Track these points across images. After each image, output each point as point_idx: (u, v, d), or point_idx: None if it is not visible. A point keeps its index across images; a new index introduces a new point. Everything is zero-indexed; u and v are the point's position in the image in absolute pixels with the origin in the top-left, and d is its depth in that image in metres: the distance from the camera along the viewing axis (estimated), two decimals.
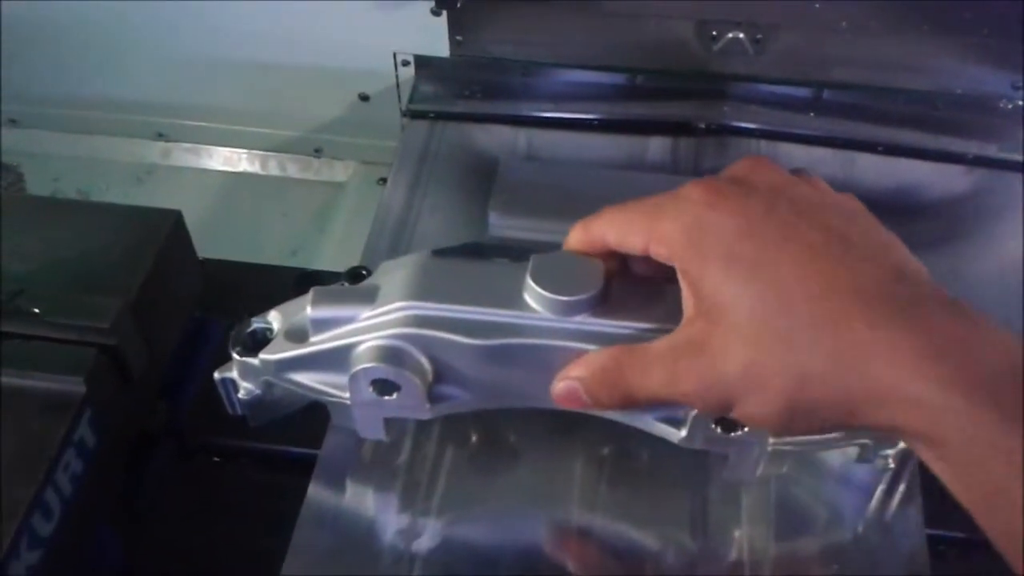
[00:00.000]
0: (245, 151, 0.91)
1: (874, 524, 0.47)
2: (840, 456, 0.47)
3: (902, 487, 0.47)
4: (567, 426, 0.48)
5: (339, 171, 0.90)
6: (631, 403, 0.40)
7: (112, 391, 0.50)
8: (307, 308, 0.44)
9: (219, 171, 0.91)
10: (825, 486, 0.48)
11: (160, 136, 0.91)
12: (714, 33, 0.76)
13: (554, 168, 0.69)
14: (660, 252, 0.39)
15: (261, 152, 0.91)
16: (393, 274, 0.45)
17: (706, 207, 0.38)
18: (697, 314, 0.38)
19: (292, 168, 0.91)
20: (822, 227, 0.37)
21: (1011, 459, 0.31)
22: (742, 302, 0.36)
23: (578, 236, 0.43)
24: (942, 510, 0.54)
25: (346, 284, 0.46)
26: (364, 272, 0.46)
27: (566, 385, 0.41)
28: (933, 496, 0.55)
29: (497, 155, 0.76)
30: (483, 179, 0.71)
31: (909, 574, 0.46)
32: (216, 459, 0.57)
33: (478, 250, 0.47)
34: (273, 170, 0.91)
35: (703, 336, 0.37)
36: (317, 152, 0.90)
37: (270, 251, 0.84)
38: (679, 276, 0.39)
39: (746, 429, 0.43)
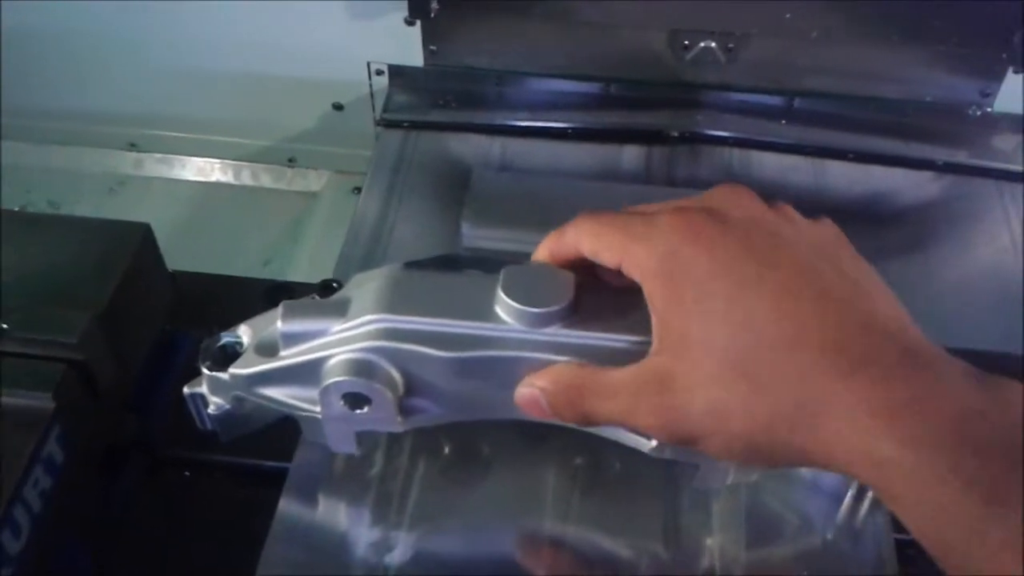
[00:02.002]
0: (218, 161, 0.90)
1: (843, 530, 0.48)
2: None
3: (870, 493, 0.47)
4: (540, 437, 0.48)
5: (313, 181, 0.90)
6: (590, 423, 0.41)
7: (80, 406, 0.50)
8: (277, 322, 0.44)
9: (192, 181, 0.90)
10: (795, 493, 0.49)
11: (132, 147, 0.90)
12: (686, 43, 0.76)
13: (527, 178, 0.69)
14: (632, 273, 0.39)
15: (234, 162, 0.90)
16: (364, 287, 0.45)
17: (681, 240, 0.38)
18: (662, 347, 0.38)
19: (265, 178, 0.90)
20: (797, 267, 0.37)
21: (965, 522, 0.31)
22: (712, 341, 0.36)
23: (551, 243, 0.43)
24: None
25: (317, 297, 0.46)
26: (335, 285, 0.46)
27: (530, 392, 0.41)
28: None
29: (471, 164, 0.76)
30: (458, 188, 0.71)
31: None
32: (186, 473, 0.56)
33: (451, 262, 0.47)
34: (246, 180, 0.90)
35: (667, 371, 0.37)
36: (291, 162, 0.90)
37: (243, 262, 0.83)
38: (647, 303, 0.38)
39: None
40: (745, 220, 0.38)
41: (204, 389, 0.46)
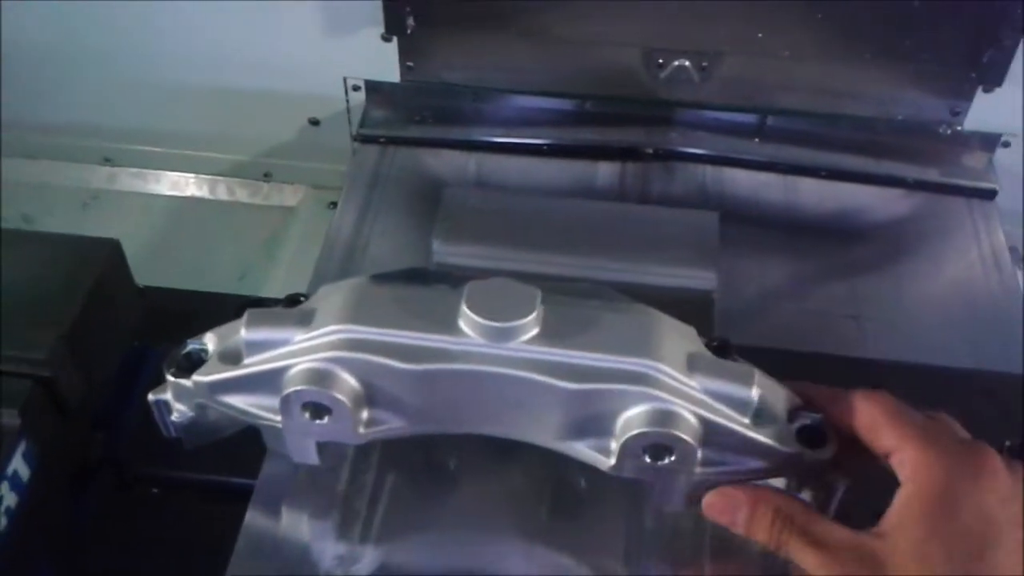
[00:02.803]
0: (193, 176, 0.90)
1: None
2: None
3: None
4: (507, 452, 0.48)
5: (289, 195, 0.90)
6: (775, 553, 0.42)
7: (48, 423, 0.50)
8: (241, 330, 0.44)
9: (166, 196, 0.90)
10: None
11: (106, 161, 0.90)
12: (660, 61, 0.77)
13: (499, 196, 0.69)
14: (900, 469, 0.40)
15: (209, 177, 0.90)
16: (329, 298, 0.45)
17: (964, 475, 0.39)
18: (894, 543, 0.39)
19: (241, 193, 0.90)
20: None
21: None
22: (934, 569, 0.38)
23: (836, 405, 0.44)
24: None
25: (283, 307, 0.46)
26: (302, 299, 0.46)
27: (728, 502, 0.43)
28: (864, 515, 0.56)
29: (447, 180, 0.76)
30: (433, 204, 0.71)
31: None
32: (155, 490, 0.56)
33: (418, 275, 0.47)
34: (222, 195, 0.90)
35: (882, 557, 0.39)
36: (267, 176, 0.90)
37: (218, 276, 0.83)
38: (902, 488, 0.40)
39: (673, 458, 0.43)
40: (1011, 480, 0.40)
41: (168, 396, 0.46)
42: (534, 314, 0.42)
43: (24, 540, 0.49)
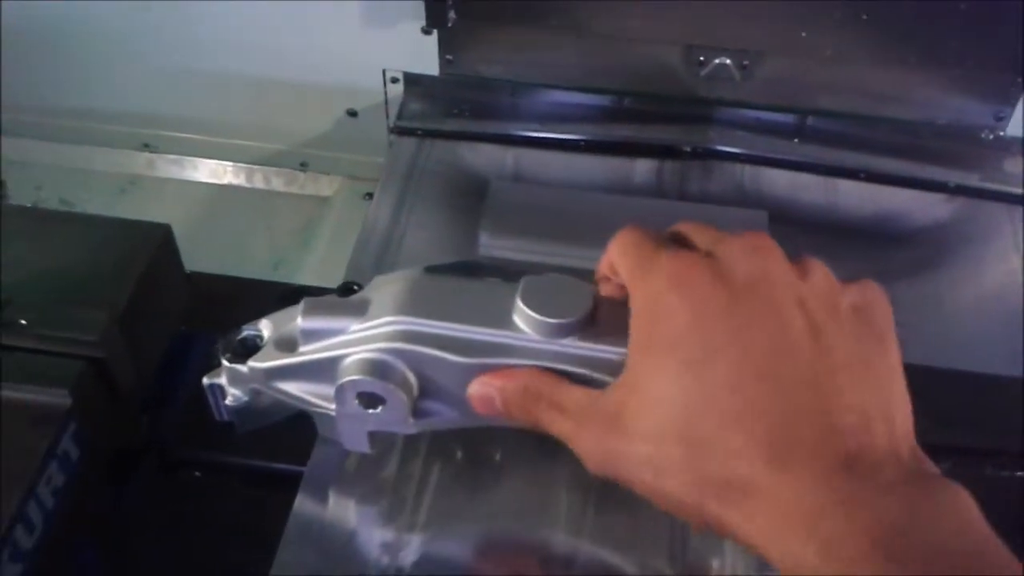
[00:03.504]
0: (231, 163, 0.90)
1: None
2: None
3: None
4: (553, 447, 0.48)
5: (325, 186, 0.90)
6: (538, 430, 0.41)
7: (98, 404, 0.50)
8: (298, 318, 0.44)
9: (204, 183, 0.90)
10: None
11: (145, 147, 0.90)
12: (701, 58, 0.77)
13: (543, 191, 0.69)
14: (630, 303, 0.39)
15: (247, 165, 0.90)
16: (384, 289, 0.45)
17: (670, 285, 0.37)
18: (623, 386, 0.38)
19: (277, 182, 0.90)
20: (775, 341, 0.35)
21: None
22: (666, 396, 0.36)
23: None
24: None
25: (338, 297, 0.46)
26: (356, 287, 0.47)
27: (484, 390, 0.42)
28: None
29: (484, 174, 0.76)
30: (470, 198, 0.71)
31: None
32: (198, 474, 0.56)
33: (471, 268, 0.47)
34: (258, 183, 0.91)
35: (618, 411, 0.37)
36: (303, 166, 0.90)
37: (253, 264, 0.83)
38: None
39: None
40: (747, 279, 0.36)
41: (223, 380, 0.46)
42: (589, 310, 0.42)
43: (71, 519, 0.49)
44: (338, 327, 0.44)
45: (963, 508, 0.32)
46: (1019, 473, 0.58)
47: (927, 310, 0.68)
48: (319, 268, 0.84)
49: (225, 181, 0.90)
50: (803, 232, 0.72)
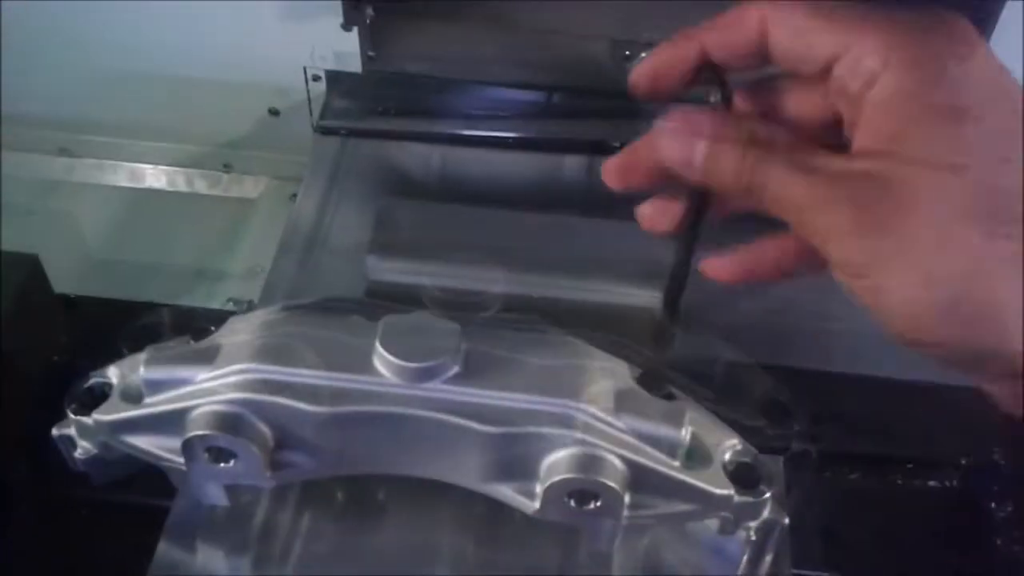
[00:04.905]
0: (151, 166, 0.88)
1: None
2: (707, 528, 0.46)
3: (768, 554, 0.46)
4: (438, 485, 0.47)
5: (250, 187, 0.88)
6: (751, 200, 0.31)
7: None
8: (140, 367, 0.42)
9: (125, 187, 0.88)
10: (694, 555, 0.47)
11: (63, 151, 0.88)
12: (627, 52, 0.74)
13: (435, 209, 0.67)
14: (858, 67, 0.30)
15: (168, 167, 0.88)
16: (237, 332, 0.43)
17: (950, 45, 0.29)
18: (885, 150, 0.29)
19: (200, 184, 0.88)
20: None
21: None
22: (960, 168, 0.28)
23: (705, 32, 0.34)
24: (829, 551, 0.55)
25: (190, 341, 0.44)
26: (212, 329, 0.44)
27: (689, 126, 0.32)
28: (821, 537, 0.55)
29: (410, 173, 0.74)
30: (396, 198, 0.69)
31: None
32: (82, 511, 0.54)
33: (335, 306, 0.45)
34: (181, 186, 0.88)
35: (890, 173, 0.29)
36: (226, 167, 0.88)
37: (174, 271, 0.81)
38: (875, 90, 0.30)
39: (599, 503, 0.41)
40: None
41: (72, 432, 0.45)
42: (452, 353, 0.40)
43: None
44: (184, 376, 0.42)
45: None
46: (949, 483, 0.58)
47: (857, 314, 0.66)
48: (246, 272, 0.81)
49: (147, 184, 0.88)
50: (735, 225, 0.70)
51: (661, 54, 0.35)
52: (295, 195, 0.84)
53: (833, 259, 0.30)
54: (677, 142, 0.32)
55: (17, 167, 0.87)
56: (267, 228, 0.83)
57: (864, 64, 0.30)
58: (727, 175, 0.31)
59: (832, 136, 0.32)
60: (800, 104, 0.34)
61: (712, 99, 0.34)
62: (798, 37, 0.31)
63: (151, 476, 0.47)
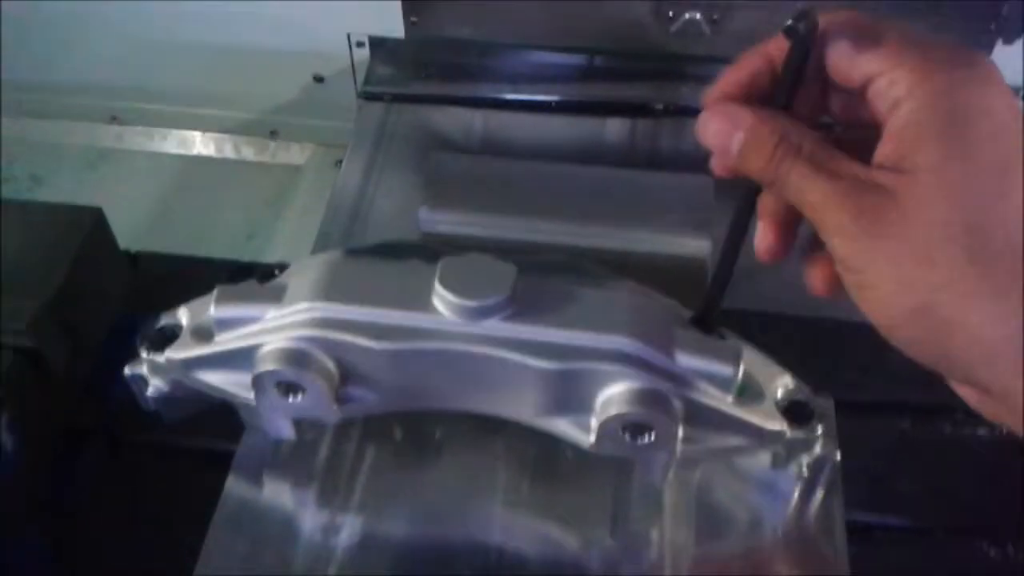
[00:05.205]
0: (199, 133, 0.89)
1: (794, 527, 0.47)
2: (760, 464, 0.46)
3: (820, 491, 0.47)
4: (493, 424, 0.47)
5: (296, 154, 0.89)
6: (775, 189, 0.35)
7: (31, 392, 0.50)
8: (211, 307, 0.43)
9: (173, 155, 0.89)
10: (746, 491, 0.48)
11: (114, 119, 0.90)
12: (671, 13, 0.74)
13: (487, 161, 0.68)
14: (890, 91, 0.32)
15: (216, 134, 0.89)
16: (302, 274, 0.44)
17: (976, 82, 0.32)
18: (902, 166, 0.32)
19: (248, 151, 0.89)
20: None
21: None
22: (971, 189, 0.31)
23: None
24: (879, 497, 0.55)
25: (257, 283, 0.45)
26: (276, 272, 0.46)
27: (729, 119, 0.35)
28: (871, 483, 0.55)
29: (453, 138, 0.75)
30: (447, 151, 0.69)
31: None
32: (147, 455, 0.56)
33: (394, 249, 0.46)
34: (228, 153, 0.89)
35: (894, 186, 0.32)
36: (273, 134, 0.89)
37: (225, 236, 0.83)
38: (899, 110, 0.32)
39: (654, 437, 0.42)
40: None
41: (144, 371, 0.46)
42: (509, 291, 0.41)
43: (10, 508, 0.49)
44: (253, 315, 0.43)
45: None
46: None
47: None
48: (293, 238, 0.83)
49: (195, 152, 0.89)
50: None
51: (730, 76, 0.37)
52: (340, 161, 0.85)
53: (835, 254, 0.34)
54: (719, 130, 0.36)
55: (68, 135, 0.89)
56: (313, 194, 0.85)
57: (892, 90, 0.33)
58: (758, 165, 0.35)
59: (870, 139, 0.35)
60: (848, 108, 0.36)
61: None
62: (845, 56, 0.34)
63: (214, 421, 0.49)
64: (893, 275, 0.32)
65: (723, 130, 0.35)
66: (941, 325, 0.32)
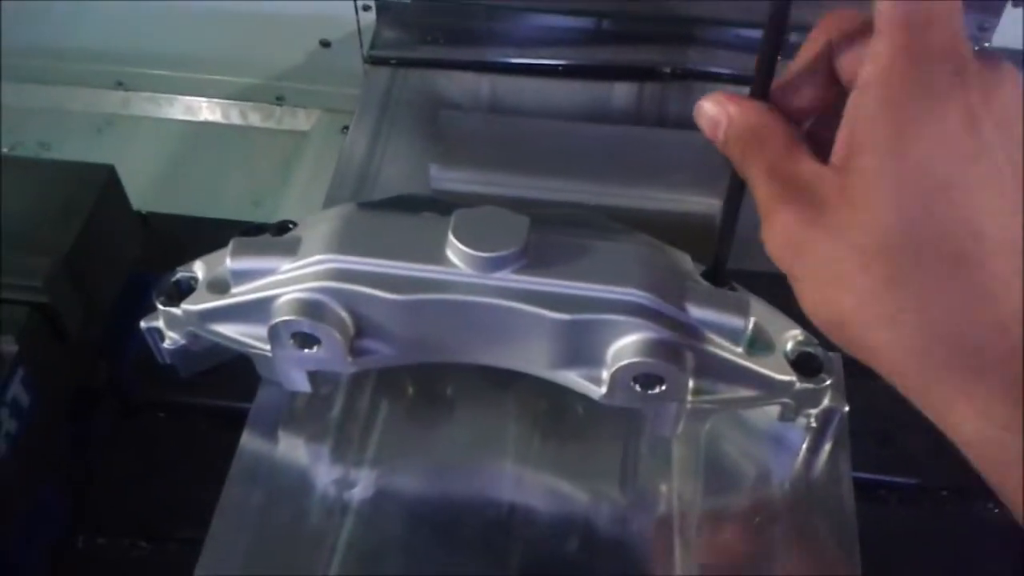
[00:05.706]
0: (205, 99, 0.89)
1: (802, 479, 0.47)
2: (768, 416, 0.47)
3: (828, 444, 0.47)
4: (504, 380, 0.48)
5: (302, 119, 0.89)
6: (744, 176, 0.36)
7: (46, 349, 0.50)
8: (227, 259, 0.43)
9: (180, 120, 0.89)
10: (754, 444, 0.48)
11: (120, 85, 0.89)
12: None
13: (496, 119, 0.68)
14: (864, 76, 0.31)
15: (222, 100, 0.89)
16: (317, 226, 0.44)
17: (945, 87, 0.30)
18: (842, 166, 0.32)
19: (254, 117, 0.89)
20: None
21: None
22: (897, 205, 0.30)
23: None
24: (886, 456, 0.55)
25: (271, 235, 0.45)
26: (291, 225, 0.46)
27: (716, 111, 0.36)
28: (878, 442, 0.55)
29: (460, 102, 0.75)
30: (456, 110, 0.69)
31: (836, 526, 0.46)
32: (160, 415, 0.56)
33: (407, 203, 0.46)
34: (235, 119, 0.89)
35: (827, 195, 0.32)
36: (279, 100, 0.89)
37: (232, 203, 0.83)
38: (855, 106, 0.32)
39: (664, 388, 0.42)
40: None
41: (160, 323, 0.46)
42: (522, 244, 0.41)
43: (25, 465, 0.50)
44: (269, 267, 0.43)
45: None
46: None
47: None
48: (300, 203, 0.83)
49: (201, 118, 0.89)
50: None
51: (794, 67, 0.37)
52: (347, 127, 0.85)
53: (770, 253, 0.34)
54: (709, 118, 0.37)
55: (74, 100, 0.89)
56: (320, 160, 0.85)
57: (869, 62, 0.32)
58: (734, 155, 0.36)
59: None
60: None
61: None
62: (852, 56, 0.34)
63: (225, 379, 0.49)
64: (817, 281, 0.33)
65: (712, 118, 0.37)
66: (854, 343, 0.33)
